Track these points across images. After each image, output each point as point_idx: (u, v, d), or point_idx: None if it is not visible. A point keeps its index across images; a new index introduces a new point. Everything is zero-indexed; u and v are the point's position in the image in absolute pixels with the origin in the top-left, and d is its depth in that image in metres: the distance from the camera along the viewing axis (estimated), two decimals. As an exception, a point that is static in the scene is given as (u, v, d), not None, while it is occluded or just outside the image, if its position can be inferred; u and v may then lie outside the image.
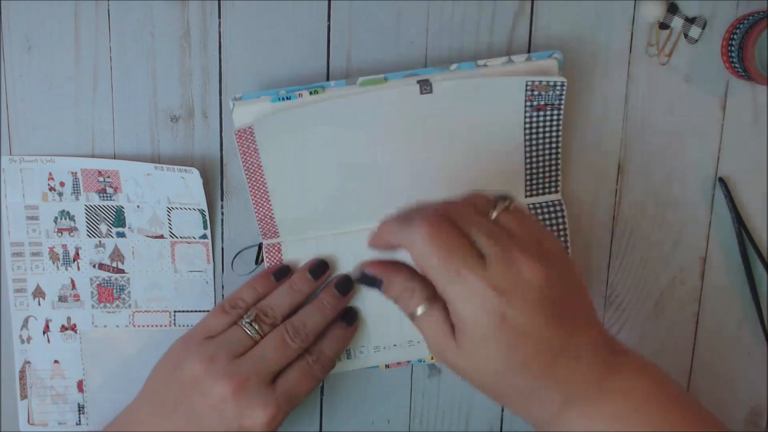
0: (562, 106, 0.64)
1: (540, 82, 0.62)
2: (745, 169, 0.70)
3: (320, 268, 0.66)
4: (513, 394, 0.52)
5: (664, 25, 0.67)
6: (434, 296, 0.51)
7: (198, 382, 0.61)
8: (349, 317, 0.67)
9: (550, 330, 0.50)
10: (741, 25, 0.65)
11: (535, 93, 0.63)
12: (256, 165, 0.64)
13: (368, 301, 0.68)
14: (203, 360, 0.61)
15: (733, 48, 0.66)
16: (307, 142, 0.64)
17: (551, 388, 0.52)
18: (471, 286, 0.48)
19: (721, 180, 0.69)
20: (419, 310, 0.51)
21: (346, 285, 0.66)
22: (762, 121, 0.69)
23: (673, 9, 0.67)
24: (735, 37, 0.66)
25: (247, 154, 0.64)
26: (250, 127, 0.62)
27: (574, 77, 0.68)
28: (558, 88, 0.62)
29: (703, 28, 0.67)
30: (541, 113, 0.64)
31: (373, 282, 0.54)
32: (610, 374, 0.53)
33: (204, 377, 0.61)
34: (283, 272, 0.66)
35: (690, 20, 0.67)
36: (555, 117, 0.64)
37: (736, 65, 0.66)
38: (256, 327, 0.62)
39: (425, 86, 0.62)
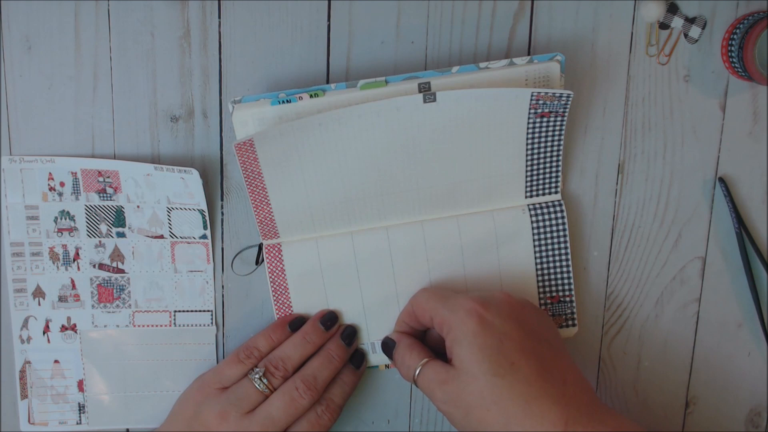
0: (566, 114, 0.64)
1: (546, 93, 0.61)
2: (745, 169, 0.70)
3: (331, 319, 0.68)
4: (513, 409, 0.56)
5: (664, 25, 0.67)
6: (430, 357, 0.62)
7: None
8: (356, 360, 0.69)
9: (530, 341, 0.59)
10: (741, 25, 0.65)
11: (540, 102, 0.62)
12: (256, 172, 0.64)
13: (369, 299, 0.68)
14: (216, 415, 0.64)
15: (733, 48, 0.66)
16: (308, 150, 0.63)
17: (548, 398, 0.56)
18: (458, 300, 0.61)
19: (721, 180, 0.69)
20: (418, 369, 0.61)
21: (352, 336, 0.68)
22: (762, 121, 0.69)
23: (673, 9, 0.67)
24: (735, 37, 0.66)
25: (247, 164, 0.64)
26: (250, 140, 0.62)
27: (574, 77, 0.68)
28: (564, 98, 0.62)
29: (703, 28, 0.67)
30: (545, 120, 0.64)
31: (387, 344, 0.66)
32: (604, 407, 0.59)
33: None
34: (298, 323, 0.68)
35: (690, 20, 0.67)
36: (558, 123, 0.64)
37: (736, 65, 0.66)
38: (266, 382, 0.64)
39: (429, 95, 0.61)
